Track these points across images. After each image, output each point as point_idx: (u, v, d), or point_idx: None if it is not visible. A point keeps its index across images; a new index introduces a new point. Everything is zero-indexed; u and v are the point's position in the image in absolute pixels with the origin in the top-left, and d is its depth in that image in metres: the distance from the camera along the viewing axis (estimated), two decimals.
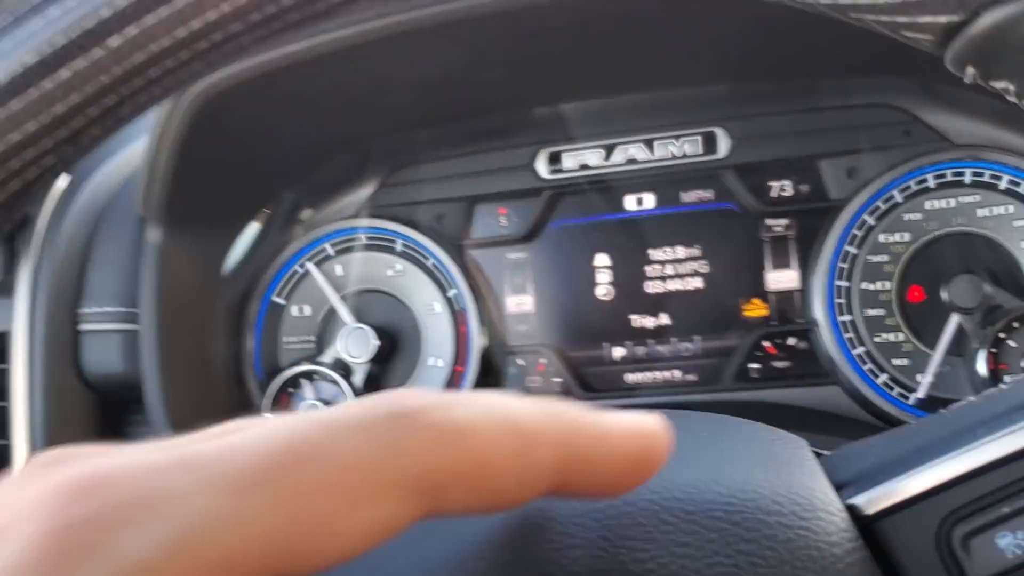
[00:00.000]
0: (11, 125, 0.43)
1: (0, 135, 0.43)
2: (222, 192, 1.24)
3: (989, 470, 0.47)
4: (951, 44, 0.44)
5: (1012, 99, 0.49)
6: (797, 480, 0.52)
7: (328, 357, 1.31)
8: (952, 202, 1.21)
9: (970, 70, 0.46)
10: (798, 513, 0.48)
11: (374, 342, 1.29)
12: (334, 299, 1.33)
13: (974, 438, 0.48)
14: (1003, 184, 1.20)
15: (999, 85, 0.47)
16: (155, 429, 1.20)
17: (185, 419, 1.20)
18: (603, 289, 1.33)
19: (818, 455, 0.57)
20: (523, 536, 0.49)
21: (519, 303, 1.35)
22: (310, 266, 1.35)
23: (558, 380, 1.33)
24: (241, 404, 1.33)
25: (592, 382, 1.32)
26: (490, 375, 1.33)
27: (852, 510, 0.49)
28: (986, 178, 1.21)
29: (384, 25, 0.97)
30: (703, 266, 1.30)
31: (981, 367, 1.16)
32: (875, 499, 0.49)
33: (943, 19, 0.42)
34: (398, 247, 1.34)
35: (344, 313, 1.32)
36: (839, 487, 0.51)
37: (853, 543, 0.47)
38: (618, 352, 1.32)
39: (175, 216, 1.19)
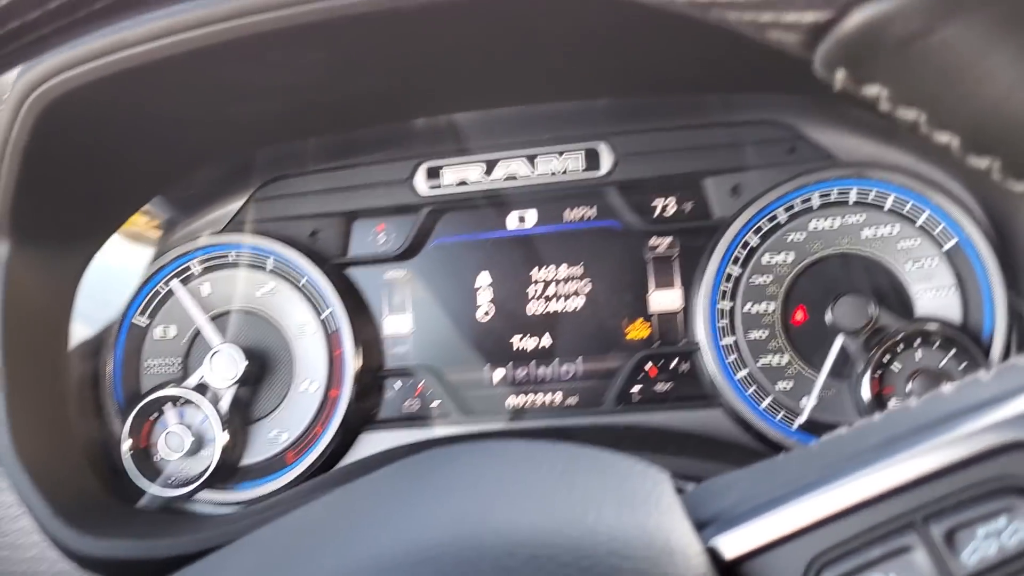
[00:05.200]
0: None
1: None
2: (75, 204, 1.16)
3: (857, 510, 0.43)
4: (820, 44, 0.40)
5: (885, 106, 0.45)
6: (655, 521, 0.47)
7: (193, 381, 1.23)
8: (837, 222, 1.19)
9: (840, 74, 0.42)
10: (655, 558, 0.44)
11: (241, 364, 1.22)
12: (200, 319, 1.25)
13: (842, 475, 0.44)
14: (888, 204, 1.18)
15: (871, 91, 0.43)
16: (3, 460, 1.11)
17: (36, 450, 1.12)
18: (484, 309, 1.28)
19: (680, 490, 0.52)
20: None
21: (397, 323, 1.29)
22: (175, 284, 1.27)
23: (437, 403, 1.27)
24: (99, 432, 1.24)
25: (472, 405, 1.27)
26: (366, 398, 1.27)
27: (713, 553, 0.45)
28: (871, 198, 1.18)
29: (238, 26, 0.91)
30: (585, 286, 1.26)
31: (865, 391, 1.13)
32: (738, 540, 0.45)
33: (810, 17, 0.38)
34: (269, 265, 1.27)
35: (210, 334, 1.25)
36: (701, 526, 0.47)
37: None
38: (498, 374, 1.27)
39: (23, 229, 1.10)
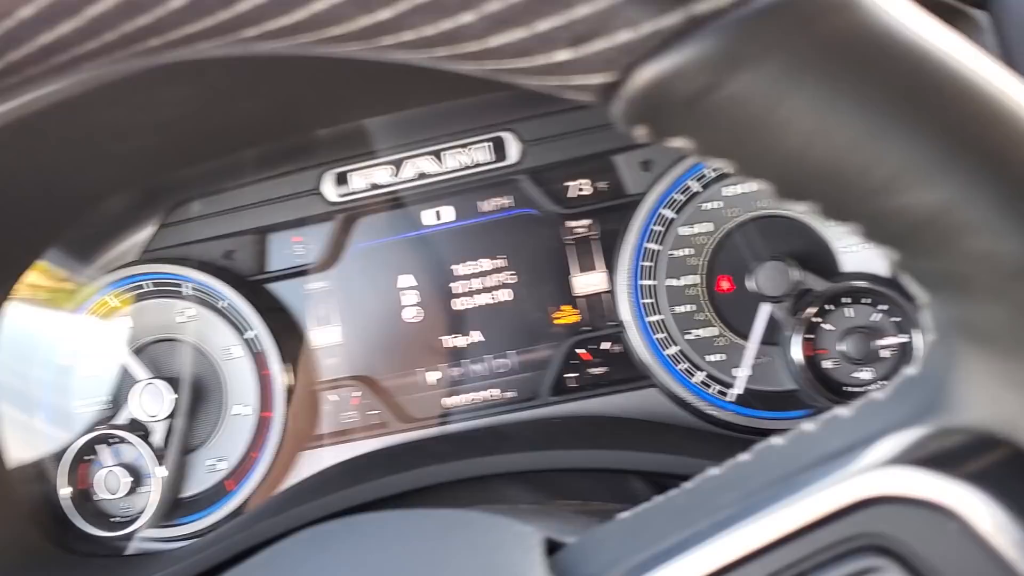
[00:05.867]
0: None
1: None
2: None
3: (732, 569, 0.41)
4: (612, 105, 0.39)
5: (693, 156, 0.43)
6: None
7: (123, 418, 1.21)
8: (751, 185, 1.16)
9: (640, 130, 0.41)
10: None
11: (170, 396, 1.20)
12: (122, 354, 1.23)
13: (699, 540, 0.42)
14: None
15: (677, 143, 0.41)
16: None
17: None
18: (411, 311, 1.25)
19: (556, 548, 0.50)
20: None
21: (325, 335, 1.27)
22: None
23: (374, 412, 1.25)
24: (35, 480, 1.22)
25: (410, 410, 1.25)
26: (302, 416, 1.25)
27: None
28: None
29: (97, 75, 0.87)
30: (510, 277, 1.24)
31: (796, 355, 1.12)
32: None
33: (596, 80, 0.37)
34: (186, 291, 1.24)
35: (134, 368, 1.22)
36: None
37: None
38: (432, 376, 1.25)
39: None
